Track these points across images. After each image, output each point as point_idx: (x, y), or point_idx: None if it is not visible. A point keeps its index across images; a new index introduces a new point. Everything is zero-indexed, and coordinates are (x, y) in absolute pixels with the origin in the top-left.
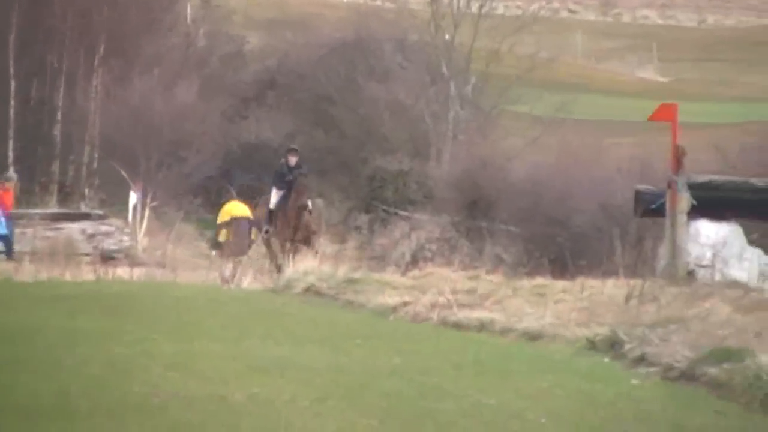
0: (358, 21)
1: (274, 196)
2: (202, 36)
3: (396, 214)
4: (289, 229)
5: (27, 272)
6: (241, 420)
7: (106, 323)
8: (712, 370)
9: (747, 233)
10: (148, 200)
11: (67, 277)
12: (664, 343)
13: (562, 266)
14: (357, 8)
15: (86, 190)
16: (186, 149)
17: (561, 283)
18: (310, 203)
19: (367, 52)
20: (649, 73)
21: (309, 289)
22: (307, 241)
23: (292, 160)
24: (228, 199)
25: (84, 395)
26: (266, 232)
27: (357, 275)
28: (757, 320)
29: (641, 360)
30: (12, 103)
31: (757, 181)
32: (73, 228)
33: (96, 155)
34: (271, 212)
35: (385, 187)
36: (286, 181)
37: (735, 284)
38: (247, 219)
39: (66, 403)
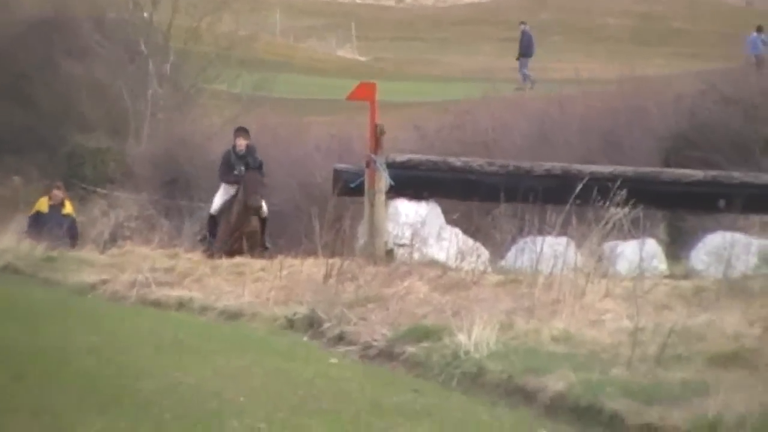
0: None
1: (219, 196)
2: None
3: (95, 192)
4: (230, 238)
5: None
6: None
7: None
8: (411, 349)
9: (445, 212)
10: None
11: None
12: (362, 322)
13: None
14: None
15: None
16: None
17: (260, 262)
18: (264, 205)
19: (65, 30)
20: (348, 52)
21: (6, 267)
22: (251, 250)
23: (241, 144)
24: None
25: None
26: (202, 239)
27: (55, 253)
28: (455, 299)
29: (340, 339)
30: None
31: (455, 161)
32: None
33: None
34: (212, 218)
35: (83, 165)
36: (234, 176)
37: (433, 263)
38: None
39: None
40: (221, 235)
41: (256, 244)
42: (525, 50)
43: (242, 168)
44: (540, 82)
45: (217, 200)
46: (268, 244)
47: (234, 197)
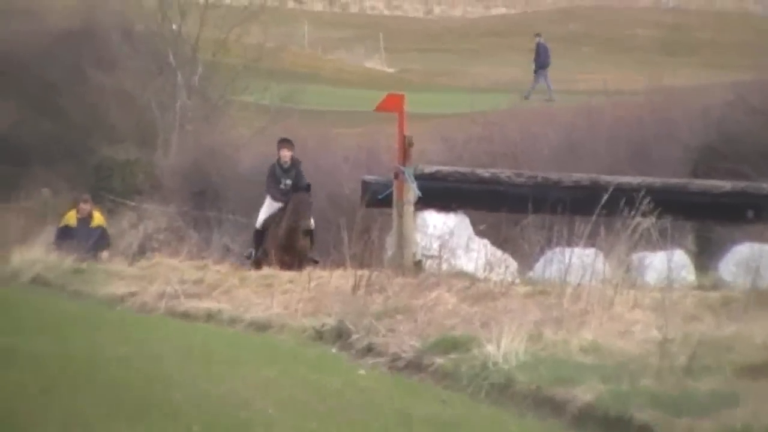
0: (84, 10)
1: (264, 211)
2: None
3: (123, 204)
4: (279, 251)
5: None
6: None
7: None
8: (439, 360)
9: (474, 223)
10: None
11: None
12: (391, 334)
13: None
14: None
15: None
16: None
17: (288, 274)
18: (312, 223)
19: (94, 42)
20: (375, 64)
21: (35, 279)
22: (299, 266)
23: (286, 155)
24: None
25: None
26: (249, 256)
27: (84, 265)
28: (483, 310)
29: (368, 350)
30: None
31: (483, 172)
32: None
33: None
34: (257, 232)
35: (112, 177)
36: (281, 190)
37: (462, 274)
38: None
39: None
40: (269, 250)
41: (305, 259)
42: (542, 62)
43: (288, 182)
44: (567, 93)
45: (262, 215)
46: (317, 259)
47: (281, 211)
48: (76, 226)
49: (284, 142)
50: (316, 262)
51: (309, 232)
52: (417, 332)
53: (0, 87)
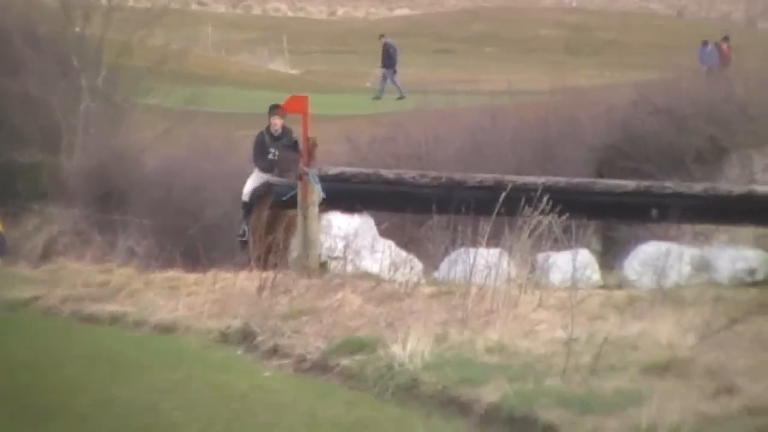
0: None
1: (251, 182)
2: None
3: (28, 207)
4: (263, 224)
5: None
6: None
7: None
8: (345, 361)
9: (378, 224)
10: None
11: None
12: (296, 335)
13: (194, 259)
14: None
15: None
16: None
17: (194, 276)
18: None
19: None
20: (279, 65)
21: None
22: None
23: (276, 123)
24: None
25: None
26: (242, 235)
27: None
28: (389, 311)
29: (274, 352)
30: None
31: (388, 173)
32: None
33: None
34: (245, 204)
35: (16, 181)
36: (269, 160)
37: (367, 275)
38: None
39: None
40: (254, 222)
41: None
42: (390, 62)
43: (276, 151)
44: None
45: (249, 185)
46: None
47: (268, 185)
48: None
49: (275, 109)
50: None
51: None
52: (322, 333)
53: None
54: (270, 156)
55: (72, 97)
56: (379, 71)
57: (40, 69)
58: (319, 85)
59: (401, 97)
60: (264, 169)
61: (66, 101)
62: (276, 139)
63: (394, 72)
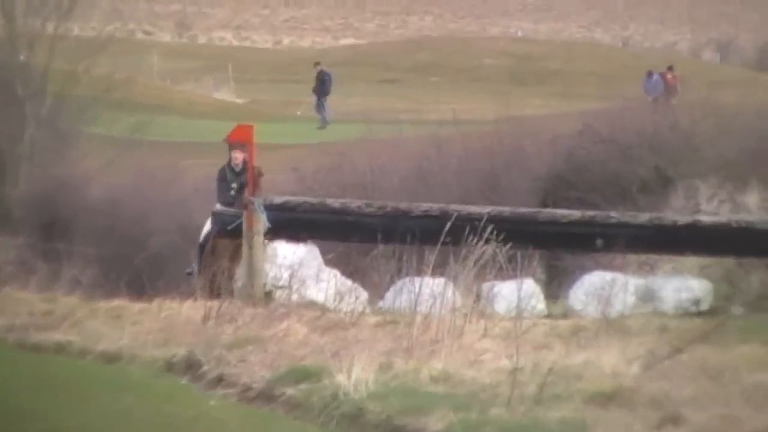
0: None
1: (209, 224)
2: None
3: None
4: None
5: None
6: None
7: None
8: (290, 390)
9: (324, 253)
10: None
11: None
12: (242, 364)
13: (139, 288)
14: None
15: None
16: None
17: (138, 305)
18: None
19: None
20: (225, 95)
21: None
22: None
23: (238, 158)
24: None
25: None
26: (189, 273)
27: None
28: (334, 340)
29: (219, 381)
30: None
31: (333, 202)
32: None
33: None
34: (201, 248)
35: None
36: (231, 195)
37: (312, 305)
38: None
39: None
40: (213, 256)
41: None
42: (325, 90)
43: (237, 186)
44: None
45: (207, 227)
46: None
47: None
48: None
49: (237, 144)
50: None
51: None
52: (267, 363)
53: None
54: (231, 192)
55: (16, 126)
56: (311, 99)
57: None
58: (265, 114)
59: (322, 127)
60: (226, 204)
61: (10, 130)
62: (237, 174)
63: (325, 100)
